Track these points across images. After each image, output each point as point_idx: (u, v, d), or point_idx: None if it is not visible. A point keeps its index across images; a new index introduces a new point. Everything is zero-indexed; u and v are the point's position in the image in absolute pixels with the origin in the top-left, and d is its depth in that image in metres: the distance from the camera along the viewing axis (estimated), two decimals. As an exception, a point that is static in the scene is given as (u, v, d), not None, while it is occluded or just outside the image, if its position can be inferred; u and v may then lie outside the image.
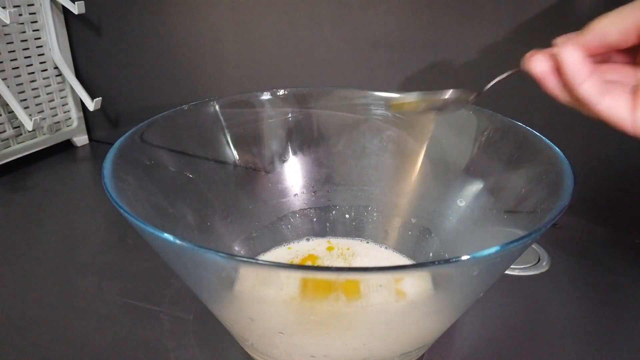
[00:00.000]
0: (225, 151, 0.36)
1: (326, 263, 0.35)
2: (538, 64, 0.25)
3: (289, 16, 0.48)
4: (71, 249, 0.41)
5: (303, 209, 0.38)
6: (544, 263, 0.39)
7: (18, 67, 0.52)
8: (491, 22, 0.41)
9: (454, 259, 0.19)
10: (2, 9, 0.46)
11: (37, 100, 0.54)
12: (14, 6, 0.50)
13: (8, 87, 0.50)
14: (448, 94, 0.29)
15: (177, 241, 0.20)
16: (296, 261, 0.35)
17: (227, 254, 0.19)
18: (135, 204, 0.26)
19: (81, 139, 0.61)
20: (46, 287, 0.36)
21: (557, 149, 0.27)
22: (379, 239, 0.38)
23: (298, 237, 0.38)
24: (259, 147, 0.38)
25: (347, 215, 0.38)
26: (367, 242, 0.38)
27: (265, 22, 0.49)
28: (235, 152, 0.36)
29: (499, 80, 0.28)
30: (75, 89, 0.56)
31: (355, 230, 0.38)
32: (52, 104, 0.56)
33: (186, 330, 0.32)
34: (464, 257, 0.19)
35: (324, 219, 0.38)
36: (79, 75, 0.58)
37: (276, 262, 0.19)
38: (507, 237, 0.21)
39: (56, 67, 0.56)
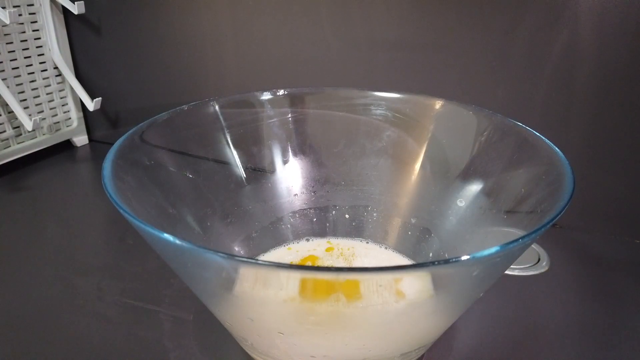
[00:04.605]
0: (225, 151, 0.36)
1: (326, 263, 0.35)
2: None
3: (289, 16, 0.48)
4: (71, 249, 0.41)
5: (303, 209, 0.38)
6: (544, 263, 0.39)
7: (18, 67, 0.52)
8: (491, 22, 0.41)
9: (453, 259, 0.19)
10: (2, 9, 0.46)
11: (37, 101, 0.54)
12: (14, 6, 0.50)
13: (8, 87, 0.50)
14: None
15: (177, 241, 0.20)
16: (296, 261, 0.35)
17: (227, 254, 0.19)
18: (135, 204, 0.26)
19: (81, 139, 0.61)
20: (46, 287, 0.36)
21: (557, 149, 0.27)
22: (379, 239, 0.37)
23: (298, 237, 0.38)
24: (259, 147, 0.38)
25: (347, 215, 0.38)
26: (367, 242, 0.38)
27: (265, 22, 0.49)
28: (235, 152, 0.36)
29: None
30: (75, 89, 0.56)
31: (355, 230, 0.38)
32: (52, 104, 0.56)
33: (186, 330, 0.32)
34: (464, 257, 0.19)
35: (323, 219, 0.38)
36: (78, 75, 0.58)
37: (276, 263, 0.19)
38: (507, 237, 0.21)
39: (56, 67, 0.56)
